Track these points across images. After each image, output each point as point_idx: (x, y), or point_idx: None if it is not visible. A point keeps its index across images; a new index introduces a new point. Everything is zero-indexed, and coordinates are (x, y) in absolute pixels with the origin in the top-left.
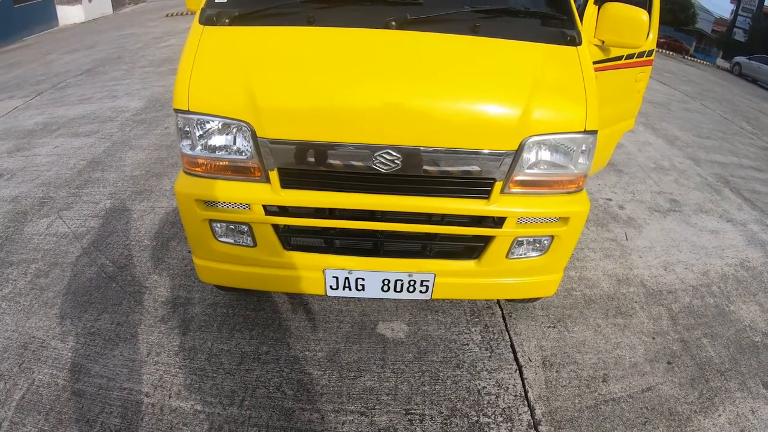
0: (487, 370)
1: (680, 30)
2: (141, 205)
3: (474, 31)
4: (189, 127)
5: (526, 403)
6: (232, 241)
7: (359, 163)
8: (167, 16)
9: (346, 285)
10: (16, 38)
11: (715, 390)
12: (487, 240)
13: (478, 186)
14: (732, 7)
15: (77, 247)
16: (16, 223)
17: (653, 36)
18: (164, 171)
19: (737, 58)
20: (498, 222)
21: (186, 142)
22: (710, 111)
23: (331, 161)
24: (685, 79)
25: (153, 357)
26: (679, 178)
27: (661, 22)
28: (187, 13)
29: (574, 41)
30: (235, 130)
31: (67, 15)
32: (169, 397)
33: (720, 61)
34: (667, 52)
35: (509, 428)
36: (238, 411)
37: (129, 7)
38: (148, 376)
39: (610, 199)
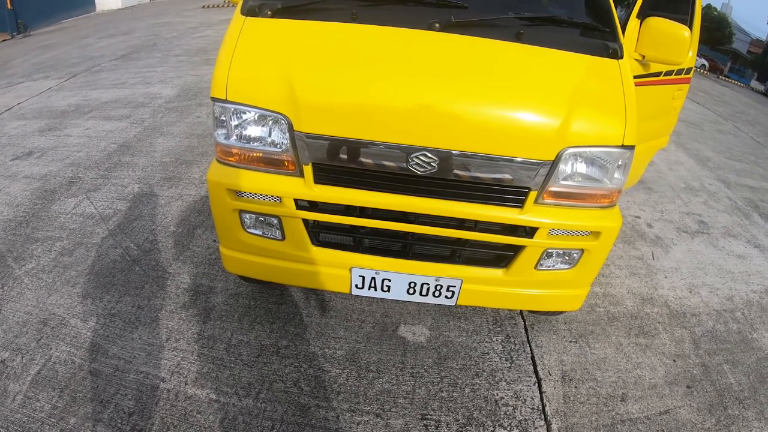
0: (506, 380)
1: (715, 49)
2: (169, 191)
3: (517, 37)
4: (225, 117)
5: (543, 416)
6: (260, 233)
7: (395, 164)
8: (203, 7)
9: (372, 285)
10: (53, 21)
11: (732, 418)
12: (517, 249)
13: (512, 194)
14: None
15: (103, 229)
16: (43, 200)
17: (692, 54)
18: (194, 159)
19: None
20: (530, 232)
21: (221, 131)
22: (743, 134)
23: (368, 160)
24: (718, 99)
25: (172, 343)
26: (709, 200)
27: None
28: (223, 5)
29: (616, 54)
30: (271, 122)
31: (105, 1)
32: (185, 384)
33: (754, 83)
34: (702, 71)
35: None
36: (254, 403)
37: None
38: (165, 361)
39: (639, 217)
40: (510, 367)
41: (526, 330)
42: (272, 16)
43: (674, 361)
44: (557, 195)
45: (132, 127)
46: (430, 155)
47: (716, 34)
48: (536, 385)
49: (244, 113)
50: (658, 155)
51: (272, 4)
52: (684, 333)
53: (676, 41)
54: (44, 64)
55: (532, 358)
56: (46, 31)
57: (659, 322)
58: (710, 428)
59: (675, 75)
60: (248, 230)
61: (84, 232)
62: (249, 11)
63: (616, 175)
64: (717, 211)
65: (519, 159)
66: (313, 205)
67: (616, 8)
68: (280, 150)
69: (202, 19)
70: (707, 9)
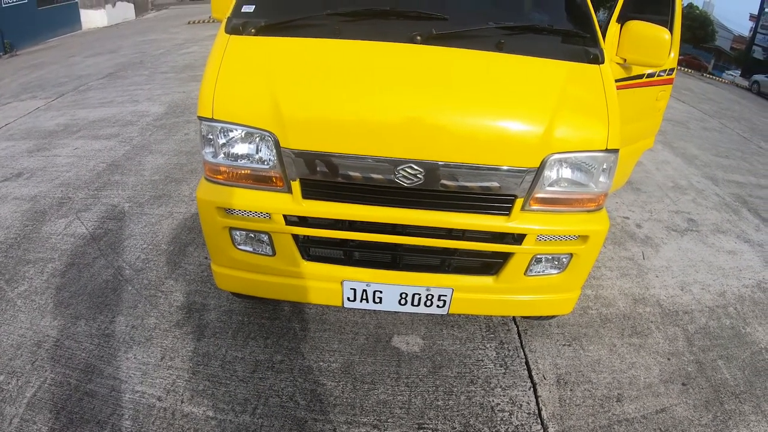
0: (501, 386)
1: (699, 47)
2: (159, 209)
3: (498, 47)
4: (212, 135)
5: (539, 421)
6: (251, 249)
7: (382, 177)
8: (189, 23)
9: (364, 297)
10: (40, 40)
11: (729, 413)
12: (506, 256)
13: (499, 202)
14: (751, 24)
15: (94, 249)
16: (34, 222)
17: (674, 55)
18: (183, 177)
19: (756, 77)
20: (518, 239)
21: (209, 150)
22: (729, 130)
23: (354, 173)
24: (703, 97)
25: (167, 361)
26: (697, 197)
27: (681, 39)
28: (208, 21)
29: (597, 59)
30: (258, 139)
31: (91, 19)
32: (182, 402)
33: (738, 79)
34: (686, 69)
35: None
36: (250, 419)
37: (152, 13)
38: (161, 380)
39: (628, 218)
40: (505, 373)
41: (519, 335)
42: (256, 34)
43: (668, 359)
44: (544, 201)
45: (121, 146)
46: (416, 167)
47: (699, 33)
48: (531, 389)
49: (231, 131)
50: (645, 155)
51: (256, 22)
52: (677, 331)
53: (657, 44)
54: (31, 83)
55: (527, 363)
56: (33, 51)
57: (652, 322)
58: (707, 424)
59: (657, 76)
60: (239, 247)
61: (75, 252)
62: (233, 30)
63: (601, 179)
64: (706, 208)
65: (504, 167)
66: (303, 221)
67: (595, 13)
68: (267, 167)
69: (188, 35)
70: (689, 8)
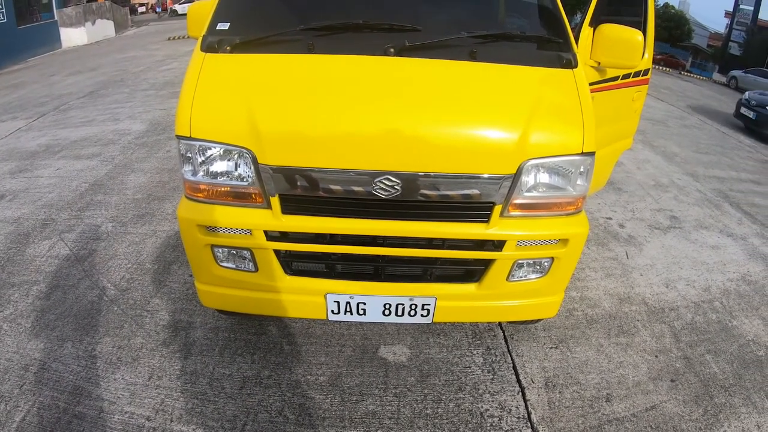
0: (489, 392)
1: (676, 46)
2: (143, 228)
3: (472, 56)
4: (191, 153)
5: (529, 424)
6: (233, 266)
7: (359, 189)
8: (169, 39)
9: (348, 309)
10: (20, 59)
11: (719, 406)
12: (487, 263)
13: (477, 210)
14: (726, 21)
15: (79, 270)
16: (17, 244)
17: (648, 55)
18: (166, 194)
19: (733, 72)
20: (498, 245)
21: (188, 168)
22: (708, 126)
23: (332, 187)
24: (682, 94)
25: (154, 381)
26: (679, 194)
27: (657, 38)
28: (187, 37)
29: (570, 64)
30: (236, 156)
31: (70, 37)
32: (171, 421)
33: (716, 76)
34: (664, 68)
35: None
36: None
37: (131, 30)
38: (149, 399)
39: (610, 218)
40: (492, 379)
41: (505, 340)
42: (231, 52)
43: (656, 356)
44: (522, 207)
45: (103, 165)
46: (392, 179)
47: (675, 32)
48: (520, 394)
49: (209, 149)
50: (626, 155)
51: (230, 40)
52: (664, 328)
53: (630, 46)
54: (12, 104)
55: (514, 367)
56: (13, 70)
57: (638, 320)
58: (698, 419)
59: (633, 77)
60: (221, 264)
61: (60, 274)
62: (208, 47)
63: (578, 182)
64: (687, 204)
65: (480, 175)
66: (283, 236)
67: (571, 16)
68: (246, 183)
69: (168, 51)
70: (665, 7)
